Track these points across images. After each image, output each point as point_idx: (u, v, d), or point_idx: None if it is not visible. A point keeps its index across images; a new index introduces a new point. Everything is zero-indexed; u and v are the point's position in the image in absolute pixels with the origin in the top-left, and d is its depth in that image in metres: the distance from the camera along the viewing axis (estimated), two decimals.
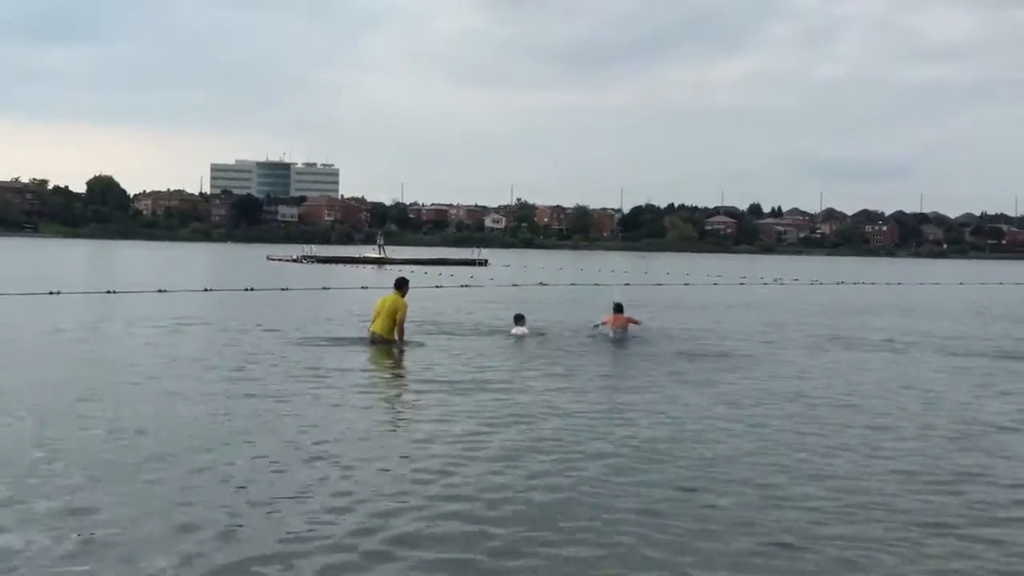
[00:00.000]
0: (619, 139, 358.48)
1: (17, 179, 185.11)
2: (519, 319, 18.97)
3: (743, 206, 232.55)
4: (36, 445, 8.54)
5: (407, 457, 8.51)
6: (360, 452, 8.69)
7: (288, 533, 6.37)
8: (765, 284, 48.36)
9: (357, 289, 33.20)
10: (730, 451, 9.00)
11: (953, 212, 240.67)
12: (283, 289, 32.33)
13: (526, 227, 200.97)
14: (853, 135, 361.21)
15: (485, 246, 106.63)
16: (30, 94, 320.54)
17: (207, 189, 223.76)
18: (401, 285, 16.84)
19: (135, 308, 23.70)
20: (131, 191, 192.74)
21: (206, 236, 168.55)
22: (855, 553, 6.26)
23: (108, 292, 28.00)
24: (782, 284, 48.56)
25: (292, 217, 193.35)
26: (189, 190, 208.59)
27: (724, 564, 6.03)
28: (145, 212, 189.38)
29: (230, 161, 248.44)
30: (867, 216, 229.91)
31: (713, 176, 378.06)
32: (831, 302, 34.14)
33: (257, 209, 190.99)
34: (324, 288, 33.83)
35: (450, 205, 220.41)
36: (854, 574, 5.95)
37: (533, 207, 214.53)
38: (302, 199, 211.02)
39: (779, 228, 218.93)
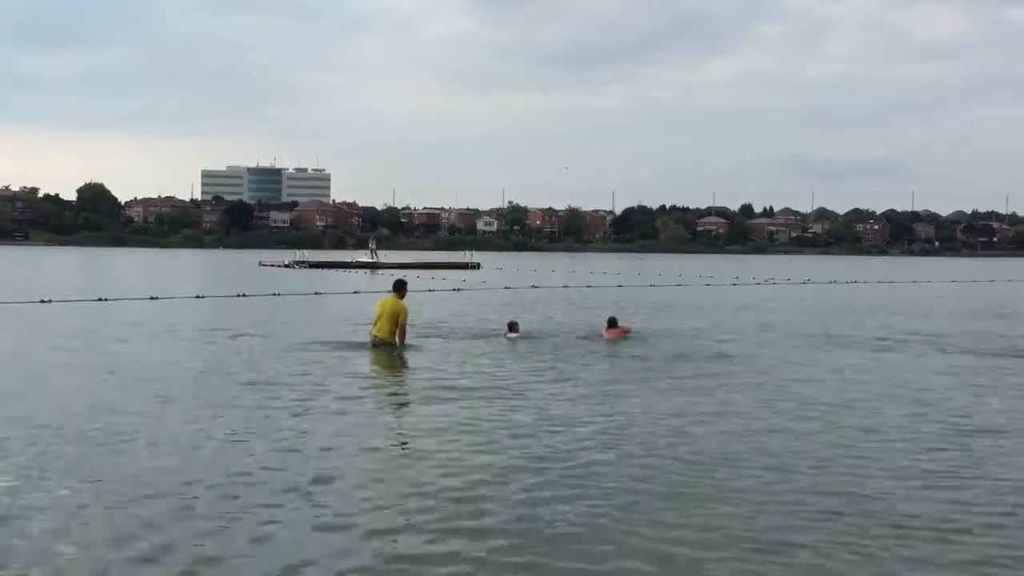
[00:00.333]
0: (610, 141, 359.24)
1: (7, 187, 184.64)
2: (513, 326, 18.93)
3: (735, 206, 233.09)
4: (22, 451, 8.50)
5: (408, 464, 8.49)
6: (361, 463, 8.64)
7: (284, 542, 6.33)
8: (757, 284, 48.39)
9: (350, 294, 33.15)
10: (725, 452, 8.99)
11: (944, 210, 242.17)
12: (275, 294, 32.27)
13: (518, 230, 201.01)
14: (844, 134, 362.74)
15: (477, 249, 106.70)
16: (20, 101, 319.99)
17: (198, 195, 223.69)
18: (400, 287, 16.83)
19: (127, 316, 23.61)
20: (122, 198, 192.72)
21: (198, 242, 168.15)
22: (850, 553, 6.25)
23: (99, 300, 27.87)
24: (774, 284, 48.61)
25: (284, 223, 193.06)
26: (180, 196, 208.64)
27: (721, 564, 6.02)
28: (136, 219, 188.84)
29: (221, 167, 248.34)
30: (858, 215, 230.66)
31: (704, 177, 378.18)
32: (823, 301, 34.19)
33: (248, 215, 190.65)
34: (316, 293, 33.76)
35: (442, 208, 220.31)
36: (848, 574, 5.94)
37: (525, 210, 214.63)
38: (294, 204, 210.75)
39: (771, 228, 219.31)
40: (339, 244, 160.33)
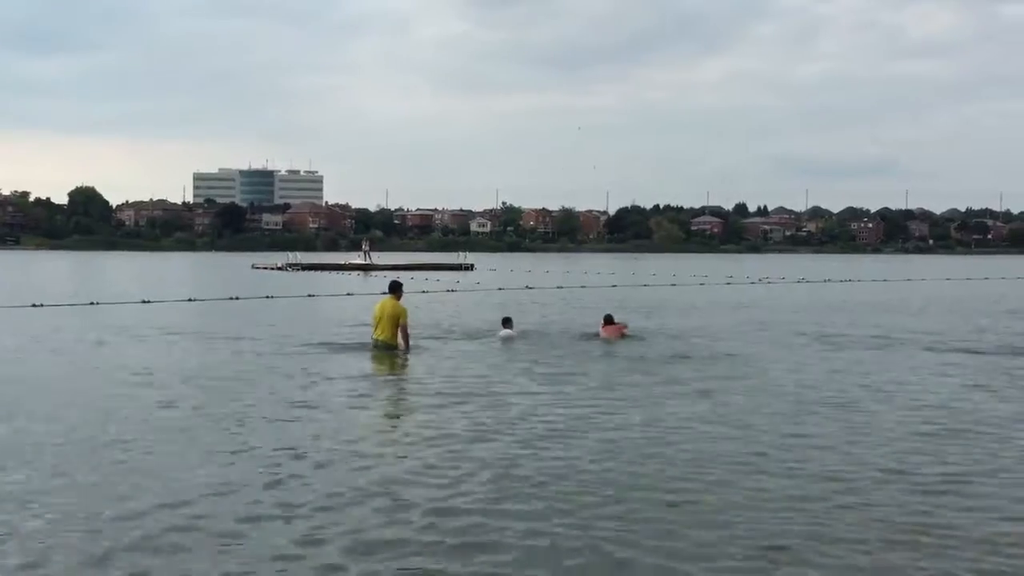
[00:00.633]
0: (604, 141, 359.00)
1: None
2: (507, 322, 18.93)
3: (729, 206, 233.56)
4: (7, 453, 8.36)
5: (406, 467, 8.39)
6: (358, 464, 8.54)
7: (281, 545, 6.24)
8: (752, 283, 48.40)
9: (343, 296, 33.03)
10: (720, 452, 8.95)
11: (938, 208, 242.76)
12: (268, 297, 32.14)
13: (512, 231, 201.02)
14: (838, 133, 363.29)
15: (471, 250, 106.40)
16: (9, 105, 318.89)
17: (190, 198, 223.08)
18: (396, 289, 16.76)
19: (118, 319, 23.45)
20: (113, 202, 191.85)
21: (190, 245, 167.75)
22: (843, 553, 6.19)
23: (91, 304, 27.71)
24: (769, 283, 48.62)
25: (276, 225, 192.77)
26: (172, 200, 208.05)
27: (719, 565, 5.96)
28: (128, 223, 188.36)
29: (213, 170, 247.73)
30: (853, 213, 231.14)
31: (698, 176, 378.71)
32: (818, 300, 34.18)
33: (241, 217, 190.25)
34: (309, 295, 33.64)
35: (435, 210, 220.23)
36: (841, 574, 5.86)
37: (519, 210, 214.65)
38: (286, 207, 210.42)
39: (765, 227, 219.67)
40: (332, 246, 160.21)
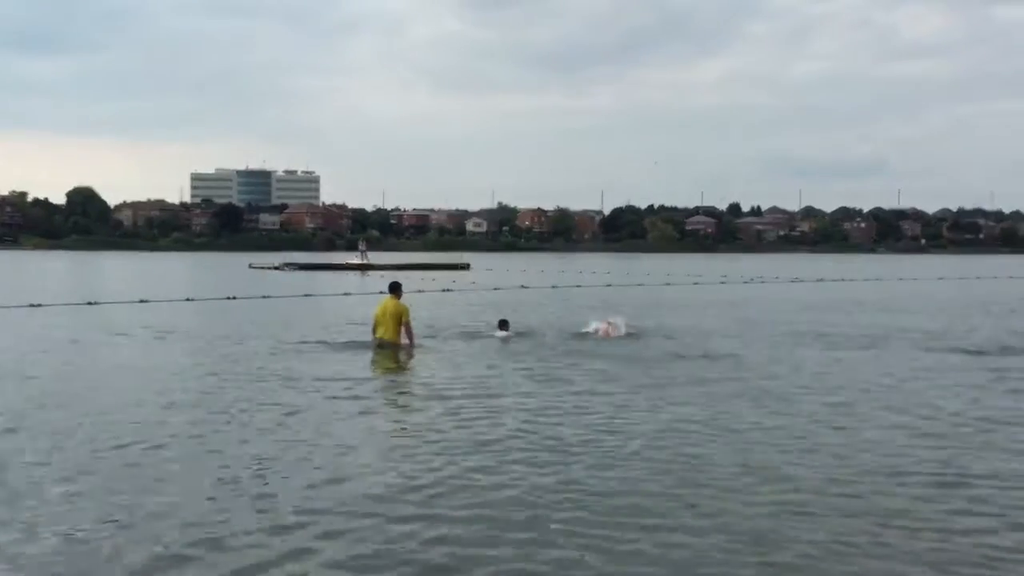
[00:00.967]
0: (599, 141, 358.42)
1: None
2: (503, 323, 19.06)
3: (723, 206, 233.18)
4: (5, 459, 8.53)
5: (403, 469, 8.53)
6: (358, 464, 8.69)
7: (280, 545, 6.40)
8: (746, 283, 48.54)
9: (340, 295, 33.15)
10: (716, 452, 9.08)
11: (930, 208, 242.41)
12: (265, 297, 32.26)
13: (507, 230, 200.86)
14: (831, 133, 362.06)
15: (467, 250, 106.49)
16: (8, 105, 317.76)
17: (187, 199, 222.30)
18: (395, 289, 17.11)
19: (116, 319, 23.60)
20: (111, 202, 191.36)
21: (188, 245, 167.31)
22: (836, 552, 6.35)
23: (88, 303, 27.84)
24: (763, 282, 48.78)
25: (274, 225, 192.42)
26: (169, 200, 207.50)
27: (721, 565, 6.09)
28: (126, 223, 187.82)
29: (210, 170, 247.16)
30: (846, 213, 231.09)
31: (692, 177, 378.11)
32: (812, 299, 34.32)
33: (238, 218, 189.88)
34: (306, 295, 33.76)
35: (431, 210, 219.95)
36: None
37: (514, 210, 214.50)
38: (283, 207, 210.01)
39: (759, 227, 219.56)
40: (329, 246, 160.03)
